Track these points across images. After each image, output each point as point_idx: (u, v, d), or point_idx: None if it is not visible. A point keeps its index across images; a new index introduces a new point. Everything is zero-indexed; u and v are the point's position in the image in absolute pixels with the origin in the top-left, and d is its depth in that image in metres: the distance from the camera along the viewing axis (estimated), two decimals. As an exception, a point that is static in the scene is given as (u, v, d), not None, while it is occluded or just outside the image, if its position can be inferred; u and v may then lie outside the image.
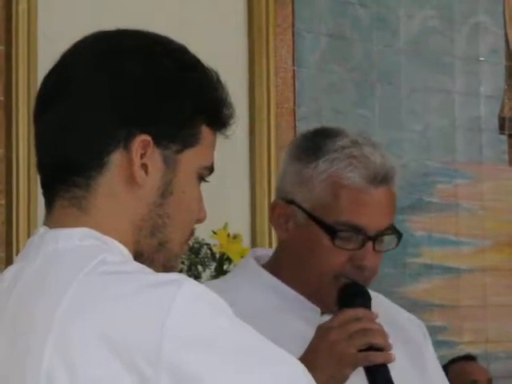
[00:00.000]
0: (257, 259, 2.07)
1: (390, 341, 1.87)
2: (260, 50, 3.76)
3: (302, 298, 1.98)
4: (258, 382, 1.31)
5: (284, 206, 1.99)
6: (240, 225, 3.50)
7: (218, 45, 3.44)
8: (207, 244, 3.25)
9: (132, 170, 1.44)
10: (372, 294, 2.06)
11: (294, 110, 3.90)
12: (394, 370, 1.89)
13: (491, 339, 4.41)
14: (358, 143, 1.96)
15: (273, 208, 2.02)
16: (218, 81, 1.50)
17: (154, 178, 1.45)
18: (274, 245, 3.60)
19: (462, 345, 4.22)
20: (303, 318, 1.93)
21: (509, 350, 4.45)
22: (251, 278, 2.04)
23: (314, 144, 1.98)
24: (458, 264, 4.38)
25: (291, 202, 1.97)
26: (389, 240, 1.99)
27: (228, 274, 2.37)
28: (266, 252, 2.10)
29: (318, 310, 1.96)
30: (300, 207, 1.96)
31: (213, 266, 3.26)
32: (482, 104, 4.51)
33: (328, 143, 1.96)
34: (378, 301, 2.09)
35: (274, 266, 2.03)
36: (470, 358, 4.16)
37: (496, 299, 4.45)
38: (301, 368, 1.35)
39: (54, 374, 1.31)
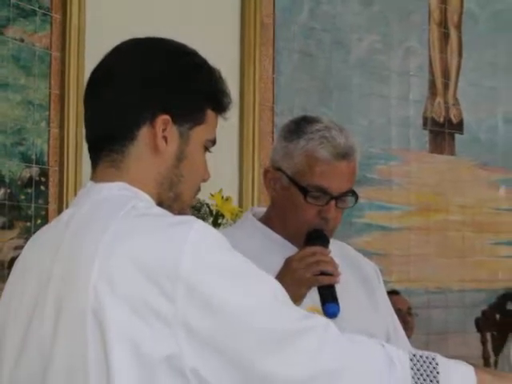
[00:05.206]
0: (254, 214, 2.06)
1: (341, 271, 1.88)
2: (249, 62, 3.76)
3: (285, 241, 1.98)
4: (251, 293, 1.32)
5: (274, 172, 1.98)
6: (231, 189, 3.50)
7: (217, 57, 3.42)
8: (206, 204, 3.25)
9: (155, 141, 1.43)
10: (340, 243, 2.09)
11: (273, 107, 3.89)
12: (349, 295, 1.91)
13: (412, 279, 4.43)
14: (329, 128, 1.94)
15: (265, 173, 2.01)
16: (221, 76, 1.49)
17: (172, 147, 1.44)
18: (256, 205, 3.62)
19: (391, 283, 4.22)
20: (285, 256, 1.91)
21: (425, 287, 4.48)
22: (248, 227, 2.03)
23: (297, 127, 1.97)
24: (390, 224, 4.39)
25: (279, 169, 1.97)
26: (349, 200, 1.97)
27: (233, 225, 2.36)
28: (262, 209, 2.09)
29: (297, 249, 1.95)
30: (284, 173, 1.95)
31: (210, 220, 3.26)
32: (411, 107, 4.51)
33: (307, 127, 1.95)
34: (344, 247, 2.11)
35: (266, 219, 2.03)
36: (394, 292, 4.19)
37: (417, 250, 4.47)
38: (279, 285, 1.37)
39: (98, 287, 1.30)
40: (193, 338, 1.28)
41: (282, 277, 1.83)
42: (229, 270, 1.32)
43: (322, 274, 1.86)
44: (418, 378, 1.40)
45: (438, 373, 1.41)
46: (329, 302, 1.84)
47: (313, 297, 1.88)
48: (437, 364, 1.42)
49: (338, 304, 1.84)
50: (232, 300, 1.30)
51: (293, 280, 1.84)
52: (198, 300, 1.28)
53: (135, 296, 1.28)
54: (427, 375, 1.41)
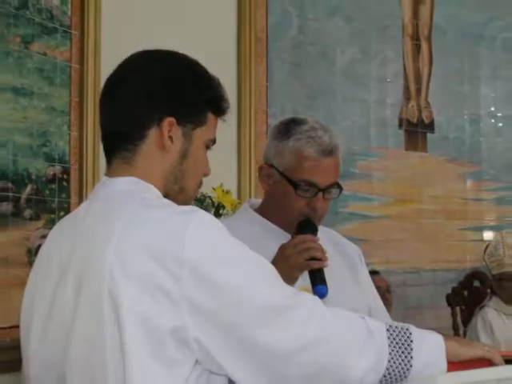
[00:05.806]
0: (251, 206, 2.05)
1: (328, 255, 1.88)
2: (245, 71, 3.75)
3: (278, 229, 1.97)
4: (247, 273, 1.33)
5: (267, 168, 1.96)
6: (231, 184, 3.49)
7: (217, 67, 3.42)
8: (209, 196, 3.24)
9: (162, 141, 1.43)
10: (327, 229, 2.07)
11: (267, 110, 3.89)
12: (336, 276, 1.90)
13: (391, 261, 4.43)
14: (315, 128, 1.93)
15: (260, 169, 2.00)
16: (220, 84, 1.50)
17: (177, 146, 1.44)
18: (253, 197, 3.62)
19: (372, 264, 4.21)
20: (279, 243, 1.91)
21: (402, 268, 4.48)
22: (246, 217, 2.02)
23: (286, 128, 1.95)
24: (371, 213, 4.39)
25: (271, 165, 1.95)
26: (334, 192, 1.96)
27: (232, 215, 2.34)
28: (258, 201, 2.07)
29: (290, 236, 1.94)
30: (276, 169, 1.94)
31: (212, 211, 3.25)
32: (388, 109, 4.51)
33: (295, 128, 1.93)
34: (331, 233, 2.10)
35: (261, 210, 2.01)
36: (375, 272, 4.19)
37: (394, 236, 4.47)
38: (271, 266, 1.38)
39: (113, 268, 1.31)
40: (195, 311, 1.29)
41: (277, 262, 1.81)
42: (227, 253, 1.33)
43: (313, 259, 1.85)
44: (394, 346, 1.41)
45: (411, 341, 1.42)
46: (318, 284, 1.84)
47: (305, 279, 1.87)
48: (410, 334, 1.43)
49: (326, 285, 1.84)
50: (230, 279, 1.30)
51: (287, 265, 1.83)
52: (200, 279, 1.29)
53: (145, 276, 1.29)
54: (402, 344, 1.42)
